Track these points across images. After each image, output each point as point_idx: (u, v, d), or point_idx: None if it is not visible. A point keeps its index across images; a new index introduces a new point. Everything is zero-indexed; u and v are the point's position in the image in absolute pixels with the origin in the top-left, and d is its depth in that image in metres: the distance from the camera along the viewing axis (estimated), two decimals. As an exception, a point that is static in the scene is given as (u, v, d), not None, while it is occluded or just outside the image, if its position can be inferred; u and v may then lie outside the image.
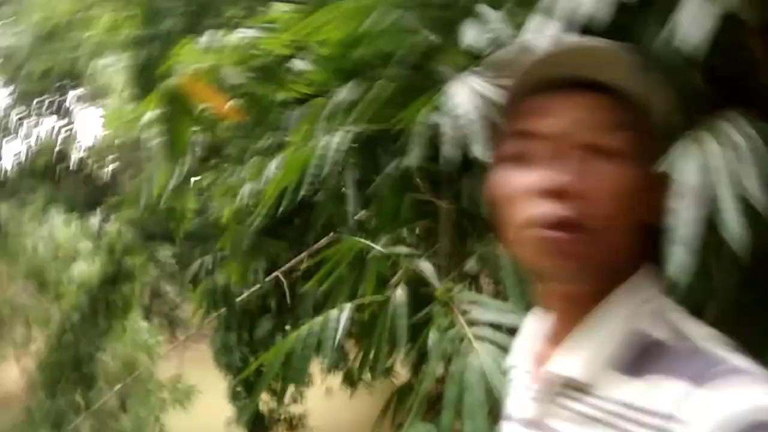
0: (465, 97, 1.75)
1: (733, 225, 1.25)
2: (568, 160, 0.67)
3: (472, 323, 1.60)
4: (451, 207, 2.07)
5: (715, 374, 0.58)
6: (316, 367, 3.92)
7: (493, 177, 0.74)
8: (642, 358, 0.66)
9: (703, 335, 0.64)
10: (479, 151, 1.68)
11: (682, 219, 1.35)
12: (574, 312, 0.72)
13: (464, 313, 1.62)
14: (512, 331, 1.51)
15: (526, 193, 0.69)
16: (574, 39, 0.72)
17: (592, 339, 0.69)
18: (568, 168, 0.67)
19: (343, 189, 2.59)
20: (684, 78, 1.93)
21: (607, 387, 0.66)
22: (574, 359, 0.69)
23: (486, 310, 1.60)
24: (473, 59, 1.91)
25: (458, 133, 1.74)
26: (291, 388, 5.50)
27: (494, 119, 0.77)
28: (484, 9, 1.87)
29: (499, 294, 1.78)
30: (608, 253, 0.68)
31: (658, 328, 0.67)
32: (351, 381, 5.62)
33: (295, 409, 6.29)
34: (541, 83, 0.71)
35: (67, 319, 6.97)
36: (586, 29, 1.74)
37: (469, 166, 1.83)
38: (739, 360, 0.59)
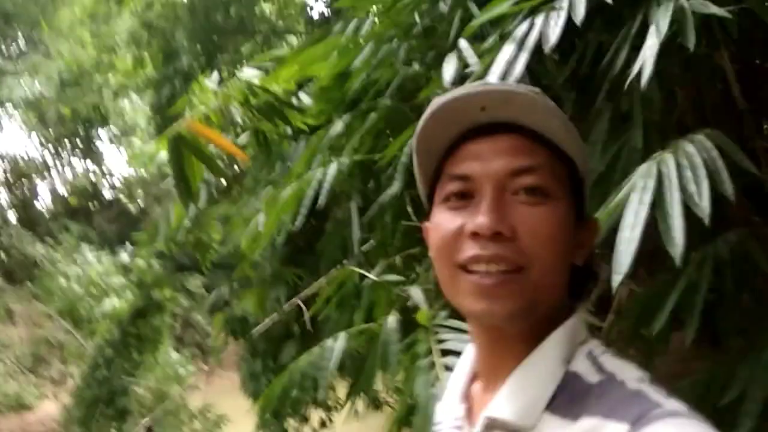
0: None
1: (673, 230, 1.30)
2: (501, 202, 0.67)
3: (446, 352, 1.62)
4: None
5: (654, 417, 0.59)
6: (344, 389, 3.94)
7: (432, 220, 0.74)
8: (577, 400, 0.65)
9: (635, 378, 0.65)
10: None
11: (628, 222, 1.41)
12: (506, 352, 0.71)
13: (440, 341, 1.65)
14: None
15: (460, 235, 0.68)
16: (503, 84, 0.75)
17: (531, 382, 0.68)
18: (501, 210, 0.67)
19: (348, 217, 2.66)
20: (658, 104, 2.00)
21: (545, 430, 0.66)
22: (513, 403, 0.68)
23: (456, 336, 1.62)
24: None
25: None
26: (320, 413, 5.52)
27: (429, 164, 0.75)
28: (463, 44, 1.93)
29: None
30: (544, 295, 0.68)
31: (591, 371, 0.67)
32: (376, 404, 5.64)
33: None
34: (475, 128, 0.71)
35: (101, 353, 7.15)
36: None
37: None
38: (674, 403, 0.61)
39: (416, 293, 1.93)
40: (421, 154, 0.75)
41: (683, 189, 1.37)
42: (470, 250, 0.67)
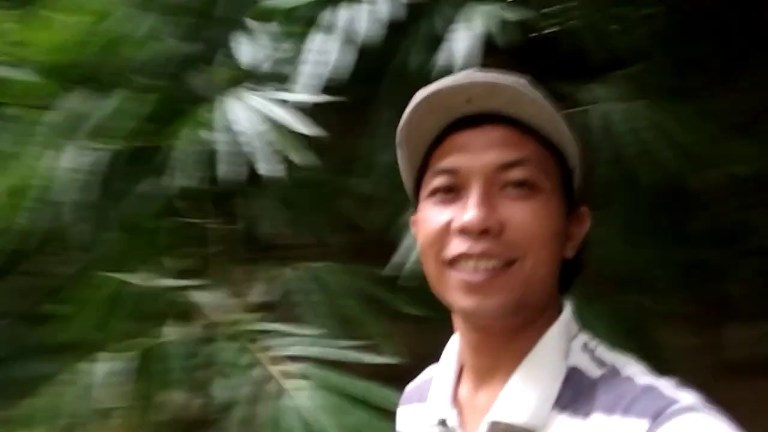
0: (243, 114, 1.66)
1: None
2: (489, 196, 0.66)
3: (277, 360, 1.48)
4: (228, 229, 1.92)
5: (673, 413, 0.59)
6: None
7: (418, 215, 0.72)
8: (583, 396, 0.65)
9: (640, 371, 0.65)
10: (264, 168, 1.61)
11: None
12: (500, 350, 0.69)
13: (264, 349, 1.50)
14: (323, 362, 1.46)
15: (447, 231, 0.67)
16: (488, 74, 0.66)
17: (536, 381, 0.66)
18: (490, 205, 0.65)
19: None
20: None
21: (557, 430, 0.64)
22: (520, 404, 0.66)
23: (290, 342, 1.50)
24: (243, 75, 1.82)
25: (236, 151, 1.65)
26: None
27: (415, 157, 0.73)
28: (252, 24, 1.79)
29: (298, 320, 1.70)
30: (535, 288, 0.67)
31: (591, 365, 0.67)
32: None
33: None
34: (462, 119, 0.69)
35: None
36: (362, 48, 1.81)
37: (247, 184, 1.74)
38: (688, 397, 0.61)
39: (205, 298, 1.72)
40: (406, 147, 0.72)
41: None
42: (458, 246, 0.65)
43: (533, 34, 2.15)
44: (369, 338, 1.73)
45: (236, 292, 1.81)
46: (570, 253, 0.72)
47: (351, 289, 1.75)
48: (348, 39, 1.73)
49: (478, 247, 0.64)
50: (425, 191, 0.71)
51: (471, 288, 0.65)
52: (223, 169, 1.65)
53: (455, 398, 0.75)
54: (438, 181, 0.69)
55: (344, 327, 1.76)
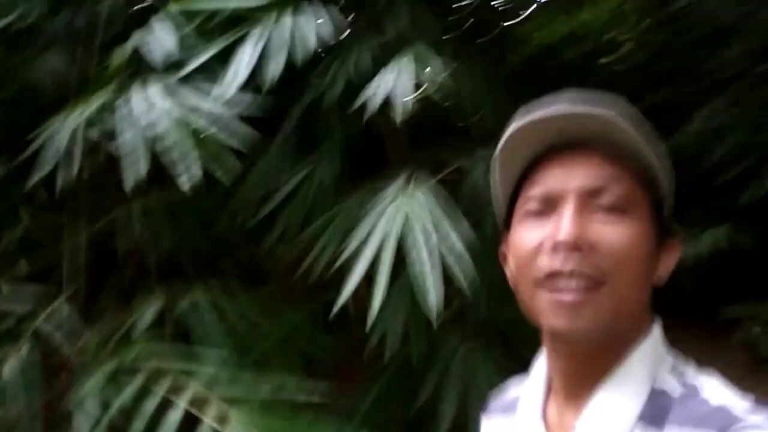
0: (155, 111, 1.55)
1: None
2: (582, 216, 0.67)
3: (177, 389, 1.36)
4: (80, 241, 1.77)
5: (738, 429, 0.61)
6: None
7: (511, 238, 0.73)
8: (661, 413, 0.67)
9: (720, 393, 0.67)
10: (184, 178, 1.51)
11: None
12: (588, 370, 0.70)
13: (158, 374, 1.36)
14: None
15: (539, 250, 0.68)
16: (582, 102, 0.68)
17: (617, 400, 0.69)
18: (582, 225, 0.66)
19: None
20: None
21: None
22: (604, 423, 0.68)
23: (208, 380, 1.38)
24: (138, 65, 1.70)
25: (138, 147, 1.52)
26: None
27: (507, 186, 0.75)
28: (173, 17, 1.72)
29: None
30: (624, 311, 0.67)
31: (676, 386, 0.69)
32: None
33: None
34: (555, 145, 0.70)
35: None
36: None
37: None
38: (757, 417, 0.63)
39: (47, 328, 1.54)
40: (501, 174, 0.75)
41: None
42: (550, 263, 0.66)
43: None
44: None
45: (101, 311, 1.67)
46: (659, 281, 0.72)
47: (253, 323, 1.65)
48: (280, 51, 1.66)
49: (569, 264, 0.65)
50: (518, 216, 0.72)
51: (562, 308, 0.66)
52: (129, 174, 1.52)
53: (544, 416, 0.76)
54: (530, 206, 0.71)
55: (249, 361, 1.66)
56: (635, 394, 0.68)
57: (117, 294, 1.89)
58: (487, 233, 1.98)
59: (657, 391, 0.69)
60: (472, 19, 4.45)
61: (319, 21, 1.81)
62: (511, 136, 0.71)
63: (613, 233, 0.67)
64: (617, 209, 0.67)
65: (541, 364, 0.80)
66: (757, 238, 2.87)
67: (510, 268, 0.75)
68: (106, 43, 1.97)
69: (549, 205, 0.69)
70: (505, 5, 5.28)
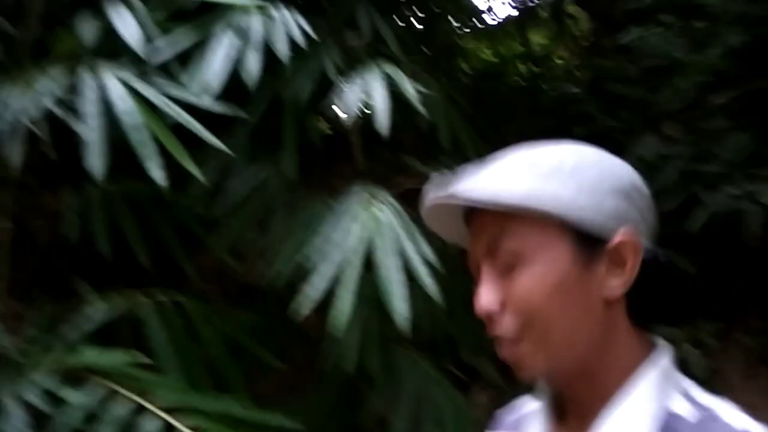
0: (114, 92, 1.45)
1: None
2: (490, 278, 0.71)
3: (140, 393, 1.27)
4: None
5: None
6: None
7: None
8: None
9: (738, 417, 0.66)
10: (155, 172, 1.42)
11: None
12: (587, 396, 0.71)
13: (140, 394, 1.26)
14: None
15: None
16: (437, 195, 0.72)
17: (634, 421, 0.68)
18: (492, 286, 0.70)
19: None
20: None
21: None
22: None
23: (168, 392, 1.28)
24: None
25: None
26: None
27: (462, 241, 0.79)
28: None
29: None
30: (562, 346, 0.69)
31: (690, 410, 0.68)
32: None
33: None
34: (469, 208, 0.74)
35: None
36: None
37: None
38: None
39: None
40: (448, 239, 0.80)
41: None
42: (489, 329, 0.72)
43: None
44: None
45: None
46: (616, 291, 0.70)
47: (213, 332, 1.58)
48: (256, 48, 1.62)
49: (494, 329, 0.70)
50: None
51: (512, 365, 0.71)
52: (93, 162, 1.42)
53: None
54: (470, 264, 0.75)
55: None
56: (648, 417, 0.67)
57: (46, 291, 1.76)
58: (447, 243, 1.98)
59: (672, 415, 0.68)
60: (425, 31, 4.52)
61: (290, 23, 1.78)
62: (426, 211, 0.77)
63: (519, 287, 0.69)
64: (516, 259, 0.69)
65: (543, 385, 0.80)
66: (697, 262, 2.98)
67: None
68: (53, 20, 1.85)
69: (474, 265, 0.74)
70: (457, 21, 5.41)
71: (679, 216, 2.89)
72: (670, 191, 2.91)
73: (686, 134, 3.12)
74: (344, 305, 1.42)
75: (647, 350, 0.72)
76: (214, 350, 1.59)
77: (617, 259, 0.70)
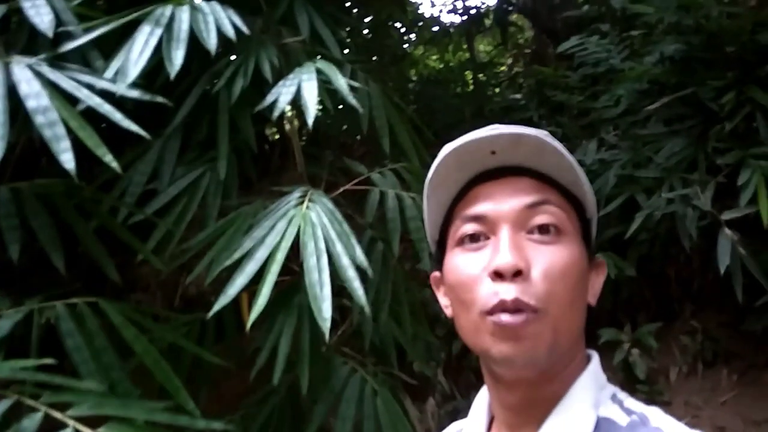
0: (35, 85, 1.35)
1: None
2: (518, 240, 0.67)
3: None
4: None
5: None
6: None
7: (446, 264, 0.73)
8: None
9: (667, 421, 0.66)
10: (66, 160, 1.32)
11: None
12: (530, 399, 0.70)
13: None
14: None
15: (480, 278, 0.67)
16: (512, 127, 0.69)
17: (568, 428, 0.67)
18: (519, 249, 0.66)
19: None
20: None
21: None
22: None
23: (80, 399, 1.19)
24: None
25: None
26: None
27: (440, 209, 0.75)
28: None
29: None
30: (564, 335, 0.67)
31: (621, 415, 0.68)
32: None
33: None
34: (486, 172, 0.71)
35: None
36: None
37: None
38: None
39: None
40: (433, 199, 0.75)
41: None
42: (492, 294, 0.66)
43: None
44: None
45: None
46: (592, 299, 0.73)
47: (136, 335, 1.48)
48: (181, 39, 1.54)
49: (511, 292, 0.64)
50: (452, 240, 0.72)
51: (505, 334, 0.65)
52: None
53: None
54: (465, 228, 0.70)
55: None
56: (581, 425, 0.67)
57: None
58: (392, 249, 1.95)
59: (603, 419, 0.68)
60: (372, 38, 4.52)
61: (220, 17, 1.72)
62: (443, 160, 0.72)
63: (548, 256, 0.67)
64: (551, 228, 0.68)
65: (482, 399, 0.79)
66: (636, 265, 3.04)
67: (444, 295, 0.75)
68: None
69: (484, 228, 0.70)
70: (404, 28, 5.45)
71: (618, 220, 2.95)
72: (610, 196, 2.96)
73: (624, 140, 3.19)
74: (262, 300, 1.36)
75: (587, 358, 0.73)
76: (142, 354, 1.49)
77: (596, 276, 0.75)
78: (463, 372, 3.38)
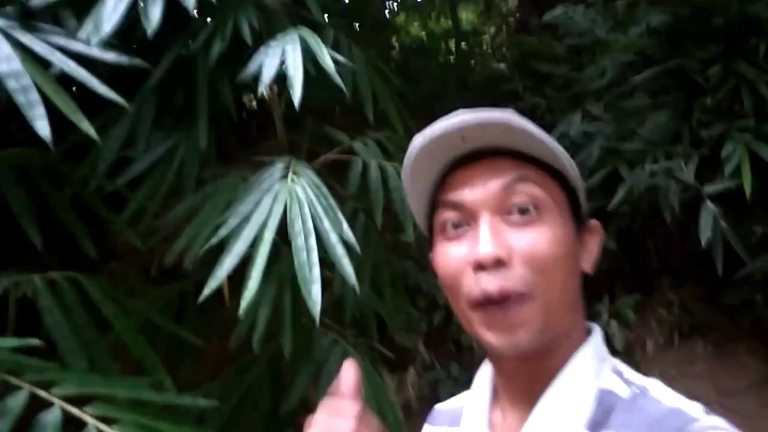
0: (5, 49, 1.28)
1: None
2: (497, 226, 0.66)
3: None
4: None
5: (695, 429, 0.60)
6: None
7: (434, 253, 0.73)
8: (612, 415, 0.66)
9: (670, 394, 0.66)
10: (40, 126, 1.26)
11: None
12: (532, 375, 0.70)
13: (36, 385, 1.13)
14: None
15: (464, 269, 0.67)
16: (478, 112, 0.68)
17: (567, 402, 0.67)
18: (499, 235, 0.66)
19: None
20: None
21: None
22: (552, 426, 0.67)
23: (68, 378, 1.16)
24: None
25: None
26: None
27: (423, 198, 0.75)
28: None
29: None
30: (558, 313, 0.67)
31: (622, 386, 0.68)
32: None
33: None
34: (461, 158, 0.71)
35: None
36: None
37: None
38: (714, 419, 0.62)
39: None
40: (413, 191, 0.75)
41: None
42: (477, 286, 0.66)
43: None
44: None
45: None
46: (588, 266, 0.73)
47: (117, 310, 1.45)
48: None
49: (495, 281, 0.64)
50: (436, 227, 0.72)
51: (494, 324, 0.66)
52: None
53: (490, 423, 0.75)
54: (445, 215, 0.70)
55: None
56: (583, 396, 0.67)
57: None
58: (375, 220, 1.92)
59: (605, 392, 0.68)
60: (355, 3, 4.42)
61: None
62: (415, 152, 0.71)
63: (532, 239, 0.66)
64: (530, 209, 0.67)
65: (485, 373, 0.79)
66: (618, 238, 3.06)
67: (440, 281, 0.74)
68: None
69: (463, 216, 0.69)
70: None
71: (601, 193, 2.95)
72: (593, 168, 2.95)
73: (609, 112, 3.17)
74: (253, 284, 1.33)
75: (587, 329, 0.73)
76: (120, 330, 1.45)
77: (591, 238, 0.74)
78: (444, 343, 3.39)
